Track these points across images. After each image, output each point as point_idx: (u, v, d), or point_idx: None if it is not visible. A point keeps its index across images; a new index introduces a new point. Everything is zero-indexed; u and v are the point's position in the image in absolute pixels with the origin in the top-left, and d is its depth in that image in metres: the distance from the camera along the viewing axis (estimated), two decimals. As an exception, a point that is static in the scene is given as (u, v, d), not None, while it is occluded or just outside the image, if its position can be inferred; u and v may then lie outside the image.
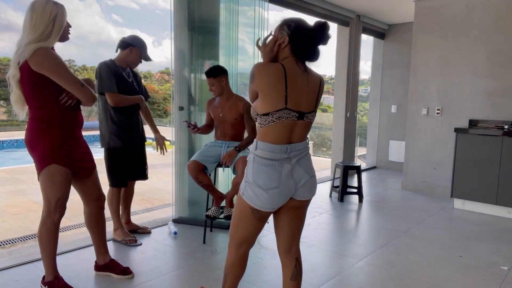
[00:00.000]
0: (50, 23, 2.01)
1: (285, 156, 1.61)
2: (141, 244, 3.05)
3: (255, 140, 1.67)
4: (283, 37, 1.62)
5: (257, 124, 1.65)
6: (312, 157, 1.75)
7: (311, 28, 1.61)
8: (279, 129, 1.58)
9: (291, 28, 1.61)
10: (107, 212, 2.63)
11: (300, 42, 1.61)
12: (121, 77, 2.92)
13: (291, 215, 1.76)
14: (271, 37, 1.67)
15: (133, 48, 2.95)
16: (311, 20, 1.63)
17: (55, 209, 2.14)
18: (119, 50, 2.98)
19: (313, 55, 1.65)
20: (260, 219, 1.69)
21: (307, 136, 1.74)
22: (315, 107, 1.67)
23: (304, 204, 1.76)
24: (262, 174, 1.61)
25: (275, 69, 1.57)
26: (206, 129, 3.25)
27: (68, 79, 2.03)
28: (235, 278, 1.85)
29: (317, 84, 1.67)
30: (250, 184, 1.64)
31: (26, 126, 2.13)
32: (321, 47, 1.66)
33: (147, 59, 3.05)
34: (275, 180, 1.60)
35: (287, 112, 1.57)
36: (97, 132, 2.98)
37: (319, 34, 1.61)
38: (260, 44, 1.68)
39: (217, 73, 3.00)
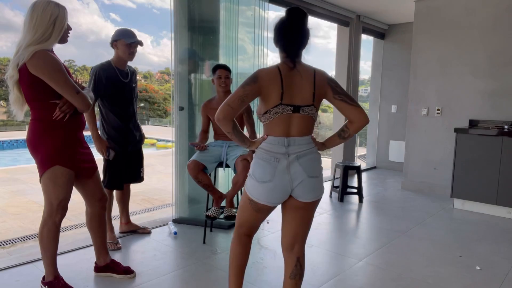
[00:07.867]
0: (50, 25, 1.99)
1: (283, 150, 1.70)
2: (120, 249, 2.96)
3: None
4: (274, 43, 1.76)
5: (262, 124, 1.79)
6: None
7: (283, 17, 1.72)
8: (277, 123, 1.71)
9: (273, 30, 1.75)
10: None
11: (279, 35, 1.72)
12: (113, 79, 2.85)
13: (294, 215, 1.81)
14: None
15: (117, 43, 2.83)
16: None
17: (57, 210, 2.13)
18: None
19: (300, 42, 1.71)
20: (256, 210, 1.78)
21: (311, 134, 1.79)
22: (313, 100, 1.72)
23: (308, 207, 1.78)
24: (258, 168, 1.73)
25: (272, 72, 1.70)
26: (204, 135, 3.25)
27: (63, 85, 2.00)
28: (236, 261, 1.86)
29: (311, 77, 1.72)
30: (250, 176, 1.77)
31: (27, 126, 2.13)
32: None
33: (137, 43, 2.86)
34: (269, 174, 1.70)
35: (282, 107, 1.69)
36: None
37: (291, 17, 1.70)
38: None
39: (230, 70, 3.15)
